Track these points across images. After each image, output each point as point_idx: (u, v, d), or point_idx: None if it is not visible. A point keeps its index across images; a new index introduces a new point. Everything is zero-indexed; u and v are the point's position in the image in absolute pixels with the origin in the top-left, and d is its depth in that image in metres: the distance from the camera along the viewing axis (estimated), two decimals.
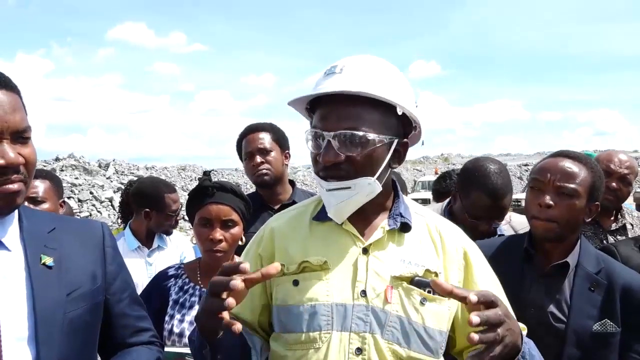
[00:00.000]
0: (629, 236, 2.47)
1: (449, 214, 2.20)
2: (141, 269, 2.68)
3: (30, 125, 1.10)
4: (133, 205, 2.86)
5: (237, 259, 1.93)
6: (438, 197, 3.52)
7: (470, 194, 2.04)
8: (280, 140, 2.55)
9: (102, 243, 1.27)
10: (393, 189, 1.33)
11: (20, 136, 1.07)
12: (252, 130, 2.54)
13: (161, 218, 2.78)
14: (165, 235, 2.92)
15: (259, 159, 2.46)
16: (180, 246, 2.95)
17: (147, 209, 2.75)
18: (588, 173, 1.57)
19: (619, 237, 2.47)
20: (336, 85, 1.17)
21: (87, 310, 1.17)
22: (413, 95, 1.26)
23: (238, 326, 0.98)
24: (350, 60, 1.23)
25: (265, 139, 2.50)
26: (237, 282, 0.98)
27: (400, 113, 1.20)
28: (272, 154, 2.49)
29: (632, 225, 2.56)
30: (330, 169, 1.19)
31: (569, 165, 1.58)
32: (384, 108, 1.18)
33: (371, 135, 1.17)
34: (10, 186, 1.05)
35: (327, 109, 1.20)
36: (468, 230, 2.04)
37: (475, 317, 0.95)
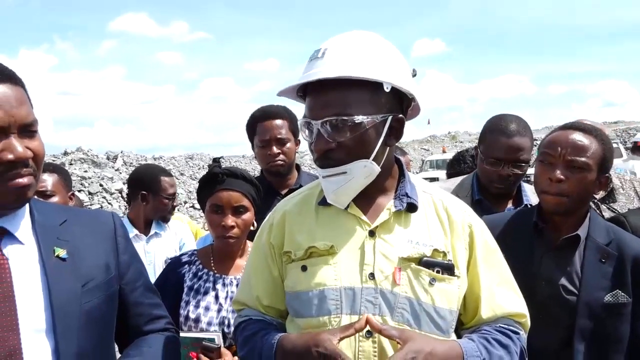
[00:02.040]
0: (619, 200, 2.47)
1: (477, 179, 2.20)
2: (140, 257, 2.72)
3: (37, 118, 1.10)
4: (130, 191, 2.89)
5: (249, 244, 1.95)
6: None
7: (487, 138, 2.09)
8: (295, 128, 2.48)
9: (113, 233, 1.28)
10: (398, 168, 1.32)
11: (28, 130, 1.07)
12: (269, 116, 2.45)
13: (157, 202, 2.79)
14: (162, 222, 2.92)
15: (276, 149, 2.40)
16: (179, 233, 2.96)
17: (144, 192, 2.78)
18: (598, 145, 1.56)
19: (611, 204, 2.46)
20: (317, 71, 1.16)
21: (103, 301, 1.19)
22: (406, 66, 1.23)
23: None
24: (333, 41, 1.20)
25: (283, 128, 2.42)
26: None
27: (387, 89, 1.17)
28: (288, 144, 2.44)
29: (622, 187, 2.53)
30: (324, 157, 1.19)
31: (580, 138, 1.56)
32: (372, 86, 1.16)
33: (359, 118, 1.15)
34: (20, 180, 1.06)
35: (313, 97, 1.19)
36: (491, 179, 2.06)
37: None
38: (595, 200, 2.47)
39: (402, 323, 1.16)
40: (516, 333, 1.25)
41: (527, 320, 1.29)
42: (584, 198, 1.58)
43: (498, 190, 2.08)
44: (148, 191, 2.78)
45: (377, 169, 1.21)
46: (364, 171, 1.19)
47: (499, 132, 2.04)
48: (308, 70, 1.19)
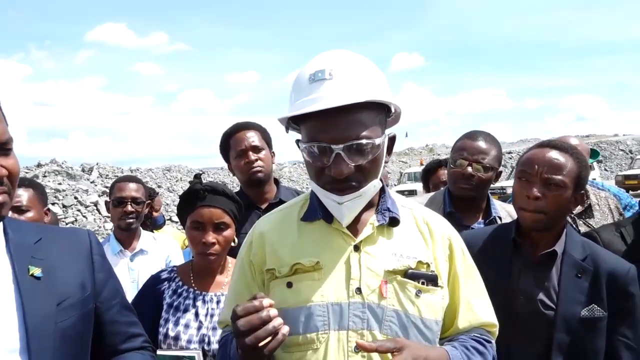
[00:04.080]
0: (595, 216, 2.53)
1: (449, 193, 2.26)
2: (123, 273, 2.62)
3: (12, 136, 1.08)
4: None
5: (230, 260, 1.93)
6: (427, 185, 3.58)
7: (455, 145, 2.24)
8: (268, 139, 2.55)
9: (89, 251, 1.26)
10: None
11: (2, 148, 1.06)
12: (242, 128, 2.51)
13: (114, 209, 2.73)
14: (149, 237, 2.87)
15: (252, 156, 2.45)
16: (166, 250, 2.90)
17: (107, 200, 2.86)
18: (574, 163, 1.59)
19: (587, 219, 2.52)
20: (335, 95, 1.12)
21: (78, 319, 1.16)
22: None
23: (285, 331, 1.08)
24: (333, 60, 1.17)
25: (256, 137, 2.49)
26: (286, 329, 1.08)
27: (394, 110, 1.21)
28: (263, 152, 2.49)
29: (598, 204, 2.60)
30: (342, 181, 1.16)
31: (556, 156, 1.59)
32: (378, 107, 1.18)
33: (377, 141, 1.16)
34: None
35: (326, 119, 1.14)
36: (456, 179, 2.15)
37: None
38: (572, 215, 2.53)
39: (390, 336, 1.17)
40: (489, 342, 1.29)
41: (497, 330, 1.33)
42: (560, 215, 1.61)
43: (463, 191, 2.14)
44: (110, 198, 2.80)
45: (380, 185, 1.24)
46: (373, 190, 1.22)
47: (465, 137, 2.22)
48: (315, 91, 1.14)
